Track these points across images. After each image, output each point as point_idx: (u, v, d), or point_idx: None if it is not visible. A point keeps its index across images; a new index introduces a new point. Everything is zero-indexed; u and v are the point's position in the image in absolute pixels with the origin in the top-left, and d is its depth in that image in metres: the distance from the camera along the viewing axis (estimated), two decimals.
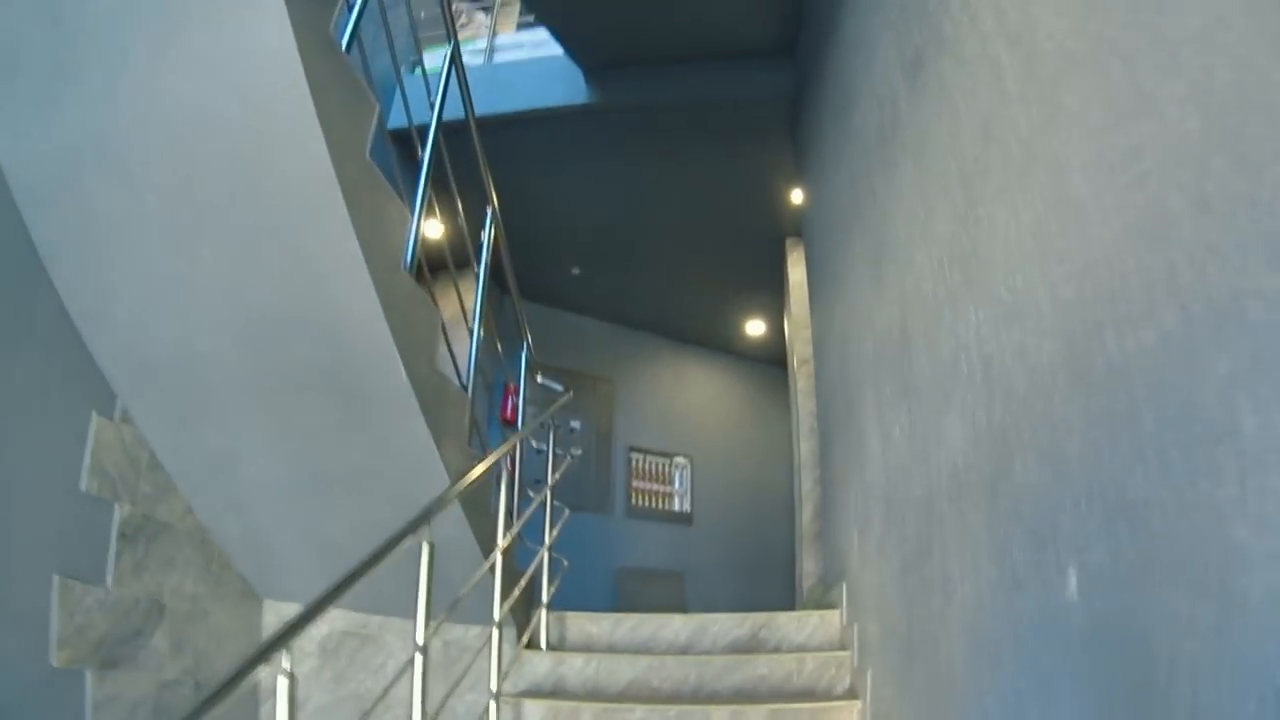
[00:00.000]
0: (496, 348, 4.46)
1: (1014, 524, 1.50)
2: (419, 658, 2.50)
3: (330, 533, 3.45)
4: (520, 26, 7.96)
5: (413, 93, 3.72)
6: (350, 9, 2.96)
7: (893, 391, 2.64)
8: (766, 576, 9.31)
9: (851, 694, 3.30)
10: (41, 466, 2.56)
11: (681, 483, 9.90)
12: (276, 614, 4.17)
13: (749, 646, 3.97)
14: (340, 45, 2.72)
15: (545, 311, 9.31)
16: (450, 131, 3.58)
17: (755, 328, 9.87)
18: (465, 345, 3.87)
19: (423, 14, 5.31)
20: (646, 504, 9.55)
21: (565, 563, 4.36)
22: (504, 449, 3.50)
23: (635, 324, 9.92)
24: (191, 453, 3.18)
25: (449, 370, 3.62)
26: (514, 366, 4.76)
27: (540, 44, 7.05)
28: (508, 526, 3.51)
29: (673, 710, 3.23)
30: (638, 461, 9.62)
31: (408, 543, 2.43)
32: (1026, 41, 1.51)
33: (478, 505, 3.61)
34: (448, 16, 3.56)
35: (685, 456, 9.93)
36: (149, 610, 2.96)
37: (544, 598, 4.09)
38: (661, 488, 9.74)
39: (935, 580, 2.06)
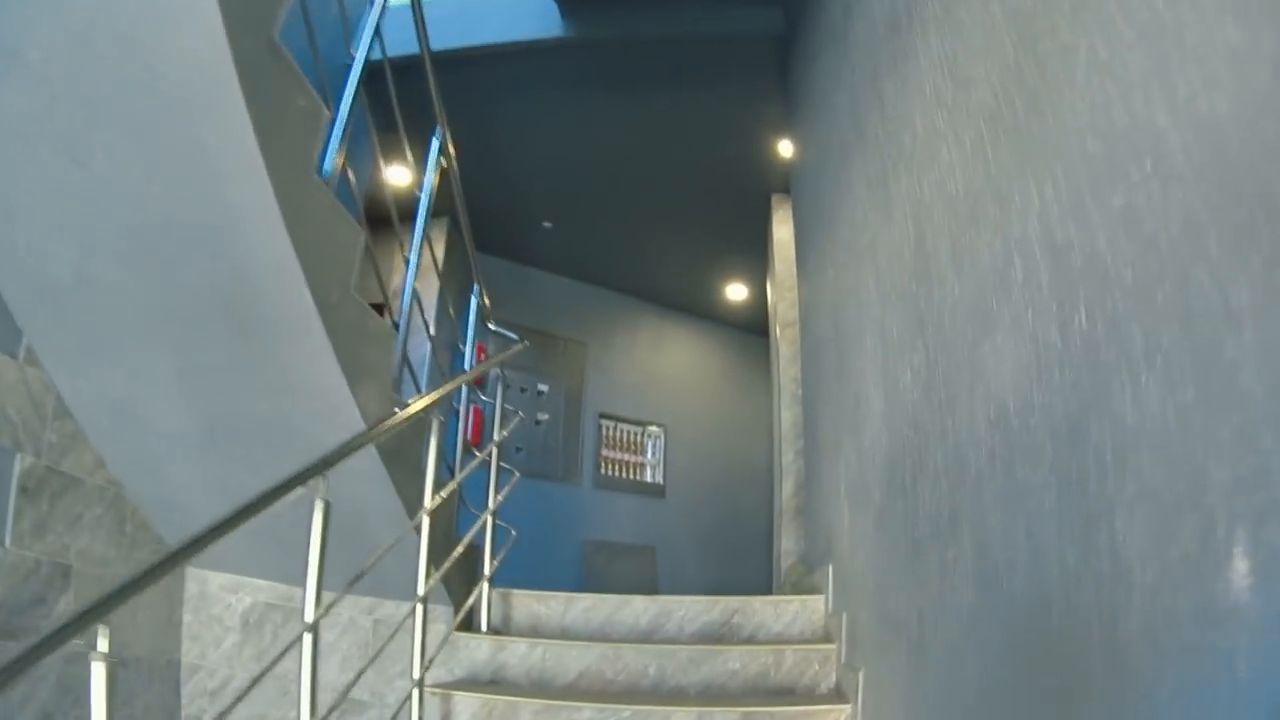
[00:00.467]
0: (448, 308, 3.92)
1: (1119, 480, 0.98)
2: (307, 638, 2.11)
3: (245, 491, 2.97)
4: None
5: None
6: None
7: (904, 331, 2.13)
8: (743, 554, 8.90)
9: (838, 696, 2.80)
10: None
11: (654, 453, 9.42)
12: (200, 583, 3.77)
13: (720, 635, 3.47)
14: None
15: (514, 268, 8.79)
16: (413, 67, 3.33)
17: (736, 292, 9.37)
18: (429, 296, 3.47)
19: None
20: (617, 474, 9.08)
21: (513, 532, 3.84)
22: (436, 395, 2.97)
23: (610, 285, 9.40)
24: (96, 397, 2.85)
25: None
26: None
27: None
28: (439, 488, 2.98)
29: (628, 710, 2.72)
30: (609, 429, 9.14)
31: (295, 496, 2.10)
32: None
33: (408, 463, 3.09)
34: None
35: (659, 425, 9.45)
36: (52, 575, 2.72)
37: (486, 570, 3.57)
38: (633, 457, 9.25)
39: (964, 564, 1.55)
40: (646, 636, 3.51)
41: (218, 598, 3.68)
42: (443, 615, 3.49)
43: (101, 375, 2.79)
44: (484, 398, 4.09)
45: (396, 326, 3.23)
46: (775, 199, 7.21)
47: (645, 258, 8.79)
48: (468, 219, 3.91)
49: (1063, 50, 1.20)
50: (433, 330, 3.95)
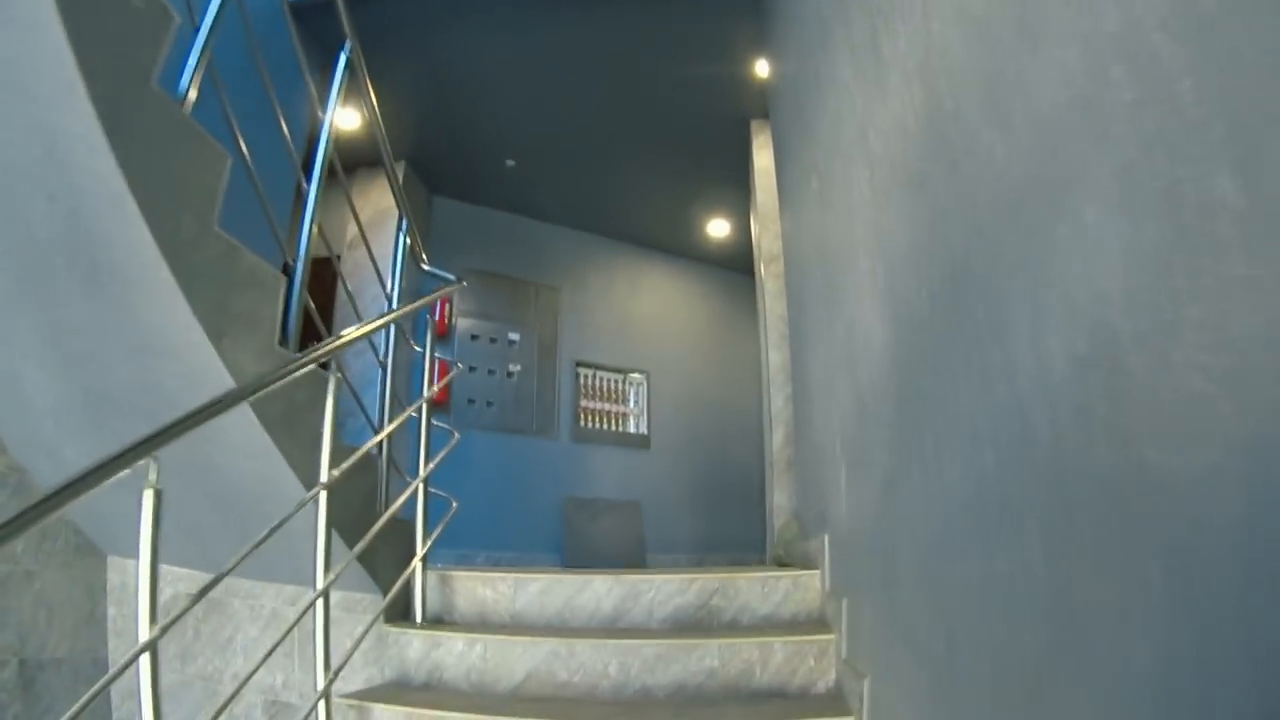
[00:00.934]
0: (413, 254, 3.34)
1: None
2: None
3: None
4: None
5: None
6: None
7: (914, 233, 1.55)
8: (735, 507, 8.45)
9: (838, 701, 2.28)
10: None
11: (637, 401, 8.87)
12: (123, 573, 3.39)
13: (696, 621, 2.94)
14: None
15: (478, 211, 8.19)
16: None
17: (718, 228, 8.76)
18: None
19: None
20: (597, 425, 8.53)
21: (453, 503, 3.29)
22: (328, 347, 2.41)
23: (582, 225, 8.77)
24: None
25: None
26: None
27: None
28: (338, 456, 2.43)
29: None
30: (587, 378, 8.58)
31: (117, 479, 1.67)
32: None
33: (309, 431, 2.52)
34: None
35: (641, 372, 8.88)
36: None
37: (418, 550, 3.03)
38: (614, 407, 8.70)
39: (1029, 579, 0.98)
40: (610, 623, 2.98)
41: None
42: (368, 605, 2.98)
43: None
44: (417, 347, 3.46)
45: (288, 271, 2.65)
46: (755, 125, 6.67)
47: (619, 194, 8.16)
48: (387, 145, 3.29)
49: None
50: (391, 288, 3.35)
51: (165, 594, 3.27)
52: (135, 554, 3.30)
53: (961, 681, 1.26)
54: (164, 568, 3.30)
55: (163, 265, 1.99)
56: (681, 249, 9.32)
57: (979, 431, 1.16)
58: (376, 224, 7.06)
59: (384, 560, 2.94)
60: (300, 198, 2.74)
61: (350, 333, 2.56)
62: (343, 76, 3.01)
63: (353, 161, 7.18)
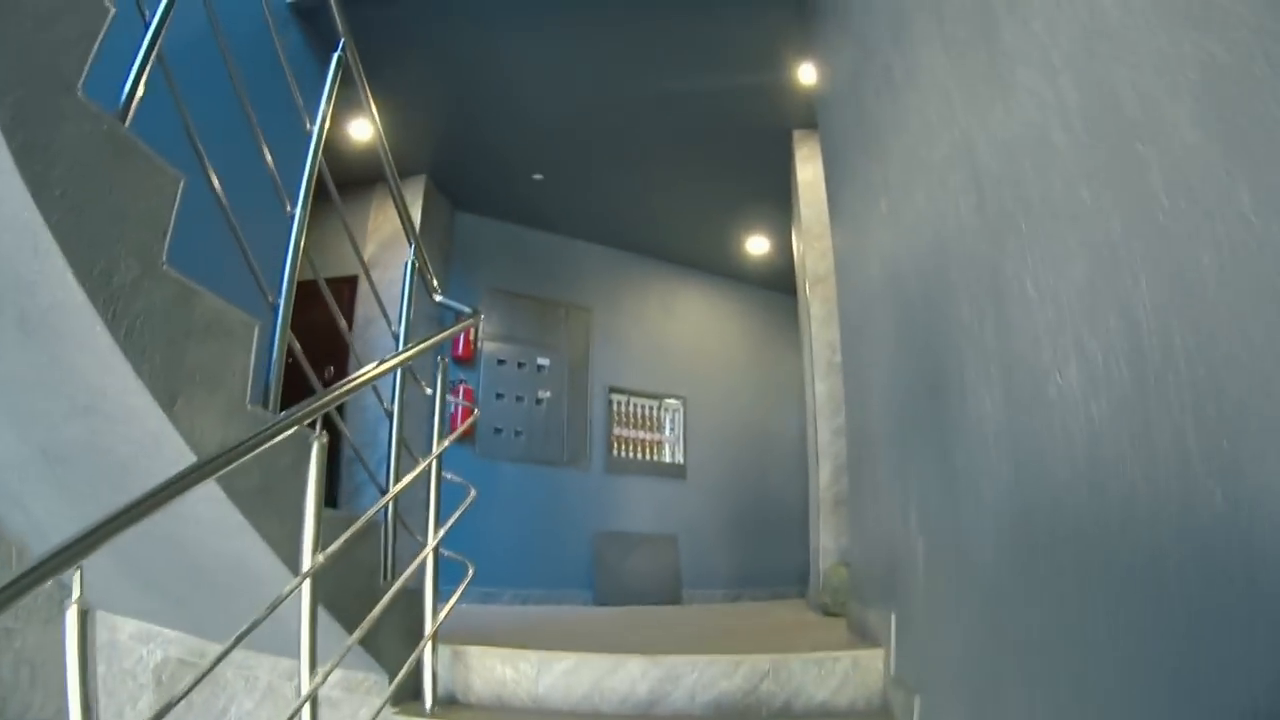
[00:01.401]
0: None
1: None
2: None
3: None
4: None
5: None
6: None
7: (1067, 269, 1.14)
8: (775, 540, 8.05)
9: None
10: None
11: (673, 429, 8.44)
12: (110, 629, 3.15)
13: (744, 709, 2.54)
14: None
15: (504, 228, 7.86)
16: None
17: (758, 245, 8.35)
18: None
19: None
20: (631, 455, 8.12)
21: (470, 568, 2.89)
22: (312, 405, 2.03)
23: (614, 242, 8.39)
24: None
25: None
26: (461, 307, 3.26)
27: None
28: (329, 536, 2.06)
29: None
30: (620, 405, 8.17)
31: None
32: None
33: (293, 503, 2.13)
34: None
35: (677, 398, 8.47)
36: None
37: (426, 627, 2.64)
38: (649, 435, 8.28)
39: None
40: (646, 710, 2.58)
41: (129, 649, 3.03)
42: (374, 687, 2.61)
43: None
44: (427, 390, 3.07)
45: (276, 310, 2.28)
46: (798, 136, 6.32)
47: (652, 210, 7.78)
48: (389, 157, 2.93)
49: None
50: (395, 323, 2.99)
51: (156, 656, 3.02)
52: (124, 609, 3.02)
53: None
54: (153, 629, 3.04)
55: (92, 315, 1.62)
56: (719, 267, 8.91)
57: (1170, 569, 0.75)
58: (396, 242, 6.75)
59: (390, 636, 2.57)
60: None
61: (341, 387, 2.18)
62: (334, 79, 2.65)
63: (372, 175, 6.87)
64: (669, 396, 8.44)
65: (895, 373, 2.54)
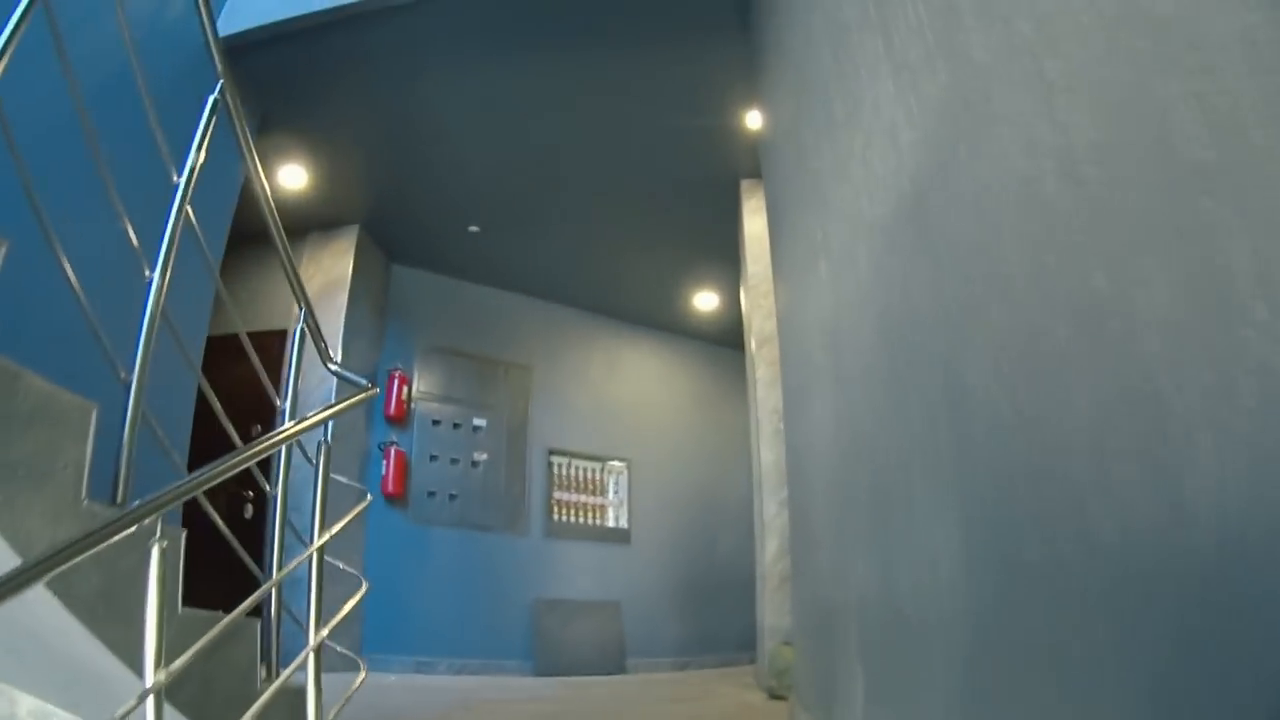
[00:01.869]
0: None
1: None
2: None
3: None
4: None
5: None
6: None
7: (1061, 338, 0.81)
8: (723, 605, 7.75)
9: None
10: None
11: (617, 492, 8.06)
12: (11, 702, 2.56)
13: None
14: None
15: (440, 281, 7.53)
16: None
17: (706, 301, 8.08)
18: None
19: None
20: (572, 519, 7.73)
21: (363, 669, 2.48)
22: (155, 498, 1.64)
23: (556, 297, 8.09)
24: None
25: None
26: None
27: None
28: (194, 626, 1.67)
29: None
30: (561, 468, 7.79)
31: None
32: None
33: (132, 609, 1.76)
34: None
35: (621, 460, 8.11)
36: None
37: None
38: (591, 499, 7.90)
39: None
40: None
41: None
42: None
43: None
44: (310, 461, 2.67)
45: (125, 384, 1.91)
46: (746, 185, 6.08)
47: (596, 263, 7.50)
48: (273, 207, 2.57)
49: None
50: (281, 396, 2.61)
51: None
52: (18, 682, 2.58)
53: None
54: (54, 710, 2.59)
55: None
56: (666, 323, 8.63)
57: None
58: (329, 292, 6.40)
59: None
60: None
61: (198, 476, 1.79)
62: (207, 124, 2.30)
63: (303, 225, 6.50)
64: (613, 458, 8.07)
65: (835, 464, 2.20)
